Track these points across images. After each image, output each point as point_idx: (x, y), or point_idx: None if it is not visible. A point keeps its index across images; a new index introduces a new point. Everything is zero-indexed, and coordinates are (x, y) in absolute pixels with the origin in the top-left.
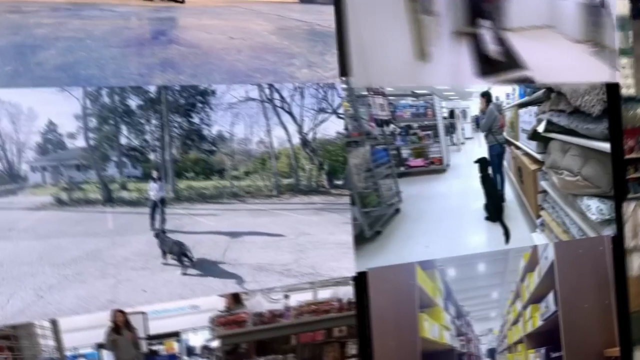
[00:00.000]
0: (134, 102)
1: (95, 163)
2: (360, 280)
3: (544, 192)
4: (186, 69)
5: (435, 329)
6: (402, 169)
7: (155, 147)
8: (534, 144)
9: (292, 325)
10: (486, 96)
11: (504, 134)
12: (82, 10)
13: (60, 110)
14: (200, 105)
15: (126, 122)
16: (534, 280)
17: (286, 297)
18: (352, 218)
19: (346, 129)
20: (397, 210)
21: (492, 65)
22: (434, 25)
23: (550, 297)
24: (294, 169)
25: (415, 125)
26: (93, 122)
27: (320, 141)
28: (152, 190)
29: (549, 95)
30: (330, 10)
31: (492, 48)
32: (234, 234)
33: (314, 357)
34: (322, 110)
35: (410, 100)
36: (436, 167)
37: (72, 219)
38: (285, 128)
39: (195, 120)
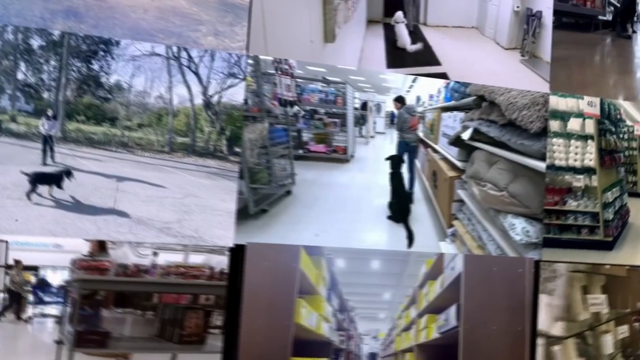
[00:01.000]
0: (36, 43)
1: None
2: (237, 253)
3: (461, 201)
4: (89, 19)
5: (313, 318)
6: (300, 151)
7: (51, 86)
8: (455, 150)
9: (156, 283)
10: (399, 100)
11: (421, 134)
12: None
13: None
14: (102, 53)
15: (25, 60)
16: (434, 289)
17: (155, 254)
18: (239, 191)
19: (246, 102)
20: (289, 192)
21: (402, 56)
22: (347, 10)
23: (452, 310)
24: (192, 129)
25: (322, 111)
26: None
27: (224, 106)
28: (45, 126)
29: (480, 104)
30: None
31: (405, 40)
32: (118, 180)
33: (175, 320)
34: (232, 75)
35: (320, 85)
36: (339, 156)
37: None
38: (188, 87)
39: (95, 67)
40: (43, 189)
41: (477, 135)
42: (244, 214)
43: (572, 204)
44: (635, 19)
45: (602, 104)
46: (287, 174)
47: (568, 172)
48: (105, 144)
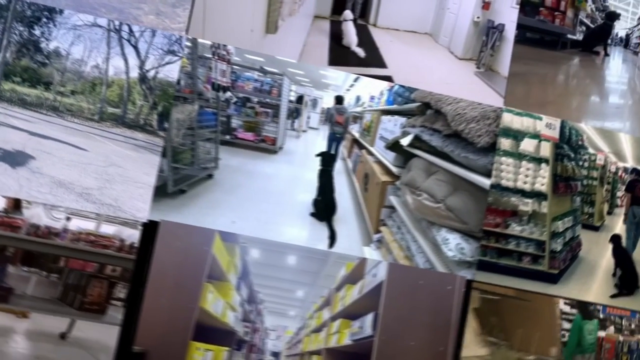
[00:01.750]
0: None
1: None
2: (150, 229)
3: (392, 208)
4: None
5: (220, 305)
6: (228, 137)
7: None
8: (392, 155)
9: (64, 247)
10: (336, 98)
11: (356, 134)
12: None
13: None
14: (45, 20)
15: None
16: (352, 293)
17: (68, 219)
18: (159, 169)
19: (178, 82)
20: (210, 176)
21: (346, 55)
22: (293, 3)
23: (369, 318)
24: (124, 101)
25: (255, 99)
26: None
27: (160, 82)
28: None
29: (424, 111)
30: None
31: (352, 39)
32: (43, 140)
33: (78, 286)
34: (171, 53)
35: (256, 74)
36: (267, 146)
37: None
38: (125, 60)
39: (37, 32)
40: None
41: (417, 142)
42: (162, 192)
43: (515, 228)
44: (609, 41)
45: (562, 127)
46: (211, 158)
47: (515, 194)
48: (37, 107)
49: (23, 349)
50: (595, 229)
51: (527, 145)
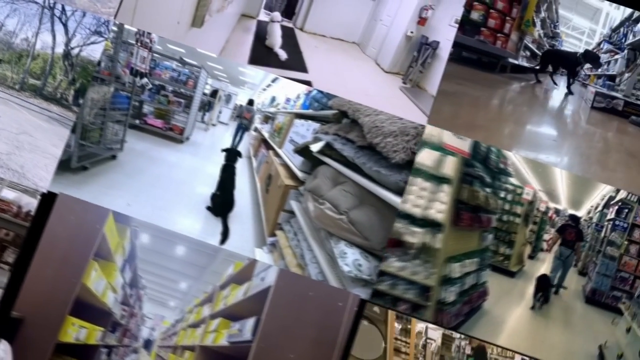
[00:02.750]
0: None
1: None
2: (48, 200)
3: (291, 213)
4: None
5: (102, 284)
6: (137, 122)
7: None
8: (299, 159)
9: None
10: (248, 100)
11: (266, 134)
12: None
13: None
14: None
15: None
16: (236, 294)
17: None
18: (67, 144)
19: (99, 64)
20: (114, 157)
21: (268, 55)
22: (223, 1)
23: (250, 322)
24: (45, 74)
25: (170, 88)
26: None
27: (82, 59)
28: None
29: (340, 119)
30: None
31: (276, 40)
32: None
33: None
34: (97, 34)
35: (175, 64)
36: (174, 135)
37: None
38: (54, 36)
39: None
40: None
41: (328, 150)
42: (65, 166)
43: (393, 264)
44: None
45: (477, 143)
46: (118, 140)
47: (402, 219)
48: None
49: None
50: (511, 274)
51: (425, 157)
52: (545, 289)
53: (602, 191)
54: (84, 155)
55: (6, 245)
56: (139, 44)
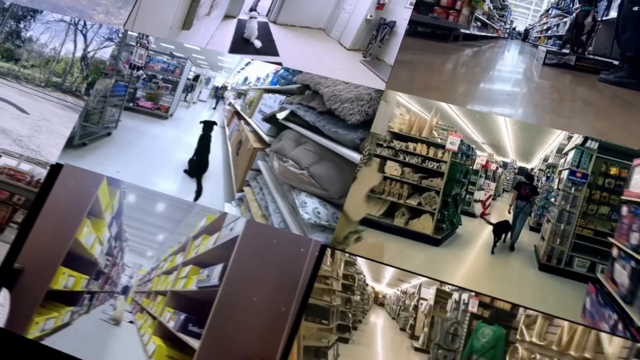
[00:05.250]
0: None
1: None
2: (56, 170)
3: (258, 171)
4: None
5: (91, 238)
6: (131, 104)
7: None
8: (267, 126)
9: None
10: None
11: (238, 107)
12: None
13: None
14: (29, 17)
15: None
16: (207, 243)
17: None
18: (73, 126)
19: (104, 63)
20: (109, 134)
21: (245, 46)
22: (210, 7)
23: (217, 269)
24: (66, 73)
25: (160, 77)
26: None
27: (95, 60)
28: None
29: (304, 91)
30: None
31: (253, 32)
32: (4, 103)
33: None
34: (109, 39)
35: (166, 57)
36: (160, 113)
37: None
38: (75, 44)
39: (21, 25)
40: None
41: (292, 117)
42: (69, 144)
43: None
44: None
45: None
46: (114, 120)
47: None
48: (4, 75)
49: None
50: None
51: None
52: (501, 231)
53: (556, 138)
54: (84, 134)
55: (17, 208)
56: (138, 44)
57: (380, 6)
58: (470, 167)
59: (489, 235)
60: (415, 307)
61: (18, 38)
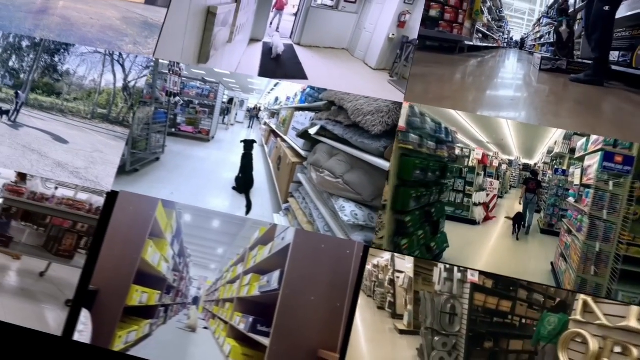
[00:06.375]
0: (24, 44)
1: None
2: (112, 197)
3: (299, 183)
4: (56, 30)
5: (157, 257)
6: (173, 130)
7: (27, 70)
8: (301, 142)
9: (51, 208)
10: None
11: (273, 126)
12: None
13: None
14: (62, 51)
15: (16, 53)
16: (263, 253)
17: (56, 188)
18: (122, 154)
19: (142, 92)
20: (158, 159)
21: (274, 69)
22: (230, 33)
23: (276, 274)
24: (110, 104)
25: (196, 102)
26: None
27: (137, 89)
28: (17, 98)
29: (330, 107)
30: (163, 10)
31: (279, 45)
32: (51, 136)
33: (57, 237)
34: (147, 68)
35: (199, 83)
36: (202, 136)
37: None
38: (114, 75)
39: (56, 59)
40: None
41: (323, 131)
42: (121, 171)
43: None
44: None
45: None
46: (160, 145)
47: None
48: (49, 110)
49: (13, 282)
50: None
51: None
52: (520, 222)
53: (553, 135)
54: (134, 161)
55: (82, 235)
56: (170, 72)
57: (401, 24)
58: (449, 160)
59: None
60: (392, 282)
61: (55, 72)
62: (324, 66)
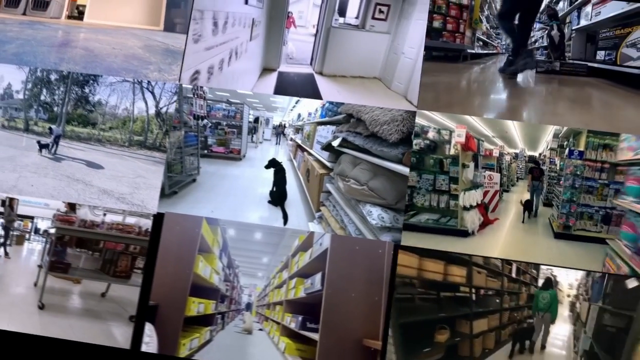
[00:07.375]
0: (52, 77)
1: (24, 108)
2: (158, 218)
3: (328, 192)
4: (81, 62)
5: (208, 270)
6: (206, 151)
7: (59, 103)
8: (326, 154)
9: (102, 234)
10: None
11: (299, 141)
12: (34, 25)
13: (14, 77)
14: (91, 82)
15: (46, 87)
16: (304, 258)
17: (104, 214)
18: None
19: (170, 117)
20: (194, 180)
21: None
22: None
23: (318, 276)
24: (145, 131)
25: (224, 123)
26: (29, 85)
27: (169, 115)
28: (53, 130)
29: (349, 120)
30: (183, 37)
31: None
32: (93, 165)
33: (112, 260)
34: (176, 94)
35: (224, 105)
36: (234, 156)
37: (5, 137)
38: (145, 102)
39: (86, 90)
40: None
41: (344, 143)
42: (161, 194)
43: None
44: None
45: None
46: (194, 167)
47: None
48: (87, 140)
49: (77, 304)
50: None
51: None
52: (529, 207)
53: (552, 131)
54: (172, 184)
55: (136, 256)
56: (195, 96)
57: None
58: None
59: None
60: None
61: (88, 103)
62: (356, 96)
